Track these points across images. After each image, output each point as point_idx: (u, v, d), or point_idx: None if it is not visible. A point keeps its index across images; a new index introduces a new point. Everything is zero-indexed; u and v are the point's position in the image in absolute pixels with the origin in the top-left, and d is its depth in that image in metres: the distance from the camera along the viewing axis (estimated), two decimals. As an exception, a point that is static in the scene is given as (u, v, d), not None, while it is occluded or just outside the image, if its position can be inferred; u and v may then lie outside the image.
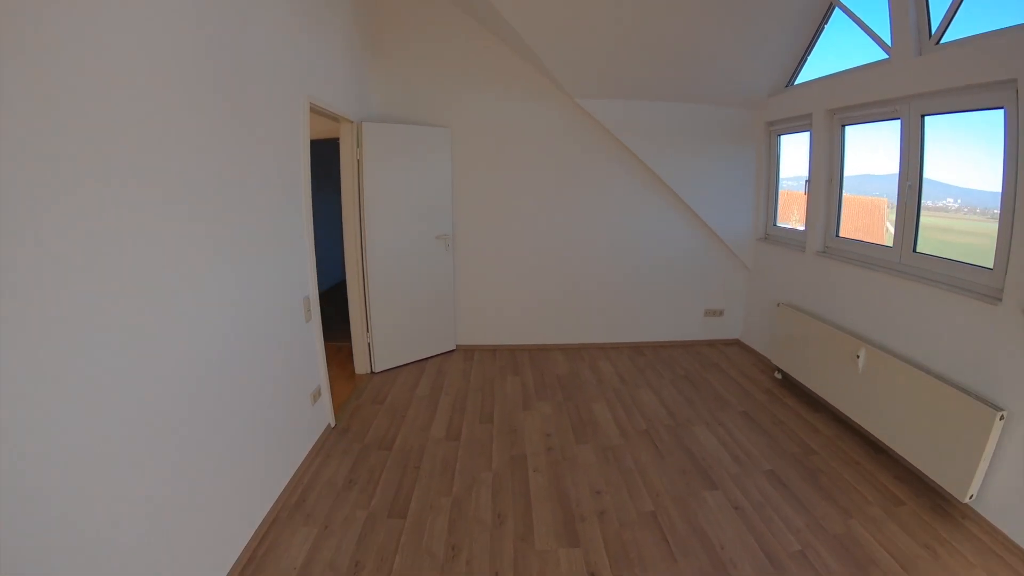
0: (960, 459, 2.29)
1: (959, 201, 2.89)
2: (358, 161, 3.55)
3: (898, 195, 2.91)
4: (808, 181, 3.69)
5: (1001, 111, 2.33)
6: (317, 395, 2.95)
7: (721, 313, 4.66)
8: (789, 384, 3.76)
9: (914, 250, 2.87)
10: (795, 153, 4.09)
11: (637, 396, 3.63)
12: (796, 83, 3.85)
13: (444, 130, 4.01)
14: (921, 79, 2.65)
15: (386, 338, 3.91)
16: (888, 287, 2.91)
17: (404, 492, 2.55)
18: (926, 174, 2.80)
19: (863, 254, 3.25)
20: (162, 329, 1.63)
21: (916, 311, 2.72)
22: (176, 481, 1.70)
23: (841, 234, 3.54)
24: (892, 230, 3.01)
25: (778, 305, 3.84)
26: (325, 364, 3.00)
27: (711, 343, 4.70)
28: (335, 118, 3.28)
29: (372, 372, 3.93)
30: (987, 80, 2.31)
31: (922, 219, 2.84)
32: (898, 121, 2.89)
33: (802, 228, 3.84)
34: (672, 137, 4.18)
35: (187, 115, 1.75)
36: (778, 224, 4.27)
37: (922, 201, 2.82)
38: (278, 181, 2.49)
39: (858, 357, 2.92)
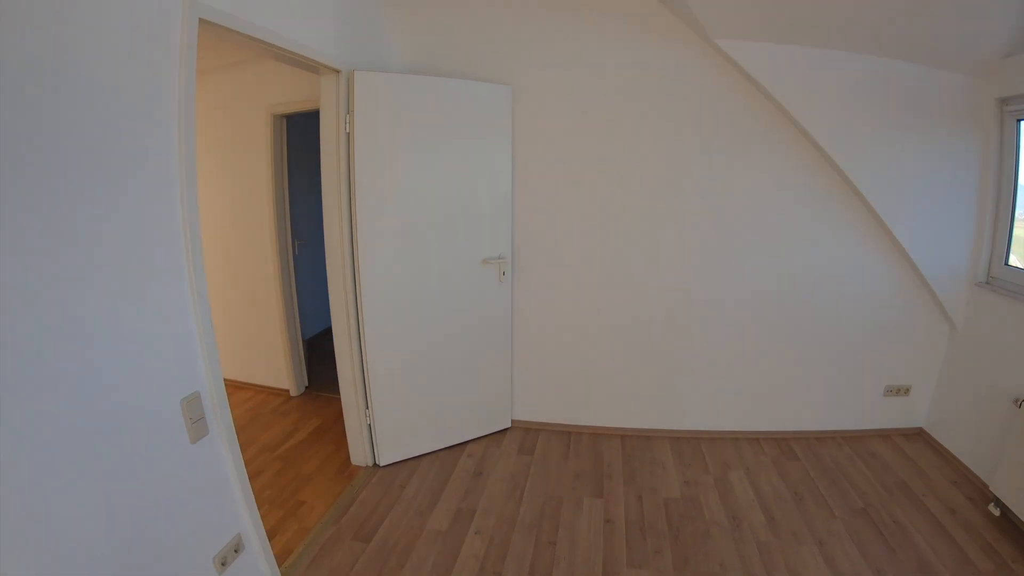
0: None
1: None
2: (348, 136, 2.17)
3: None
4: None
5: None
6: (236, 549, 1.65)
7: (907, 392, 2.86)
8: (1011, 526, 2.16)
9: None
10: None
11: (796, 566, 1.96)
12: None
13: (502, 88, 2.52)
14: None
15: (395, 418, 2.54)
16: None
17: None
18: None
19: None
20: None
21: None
22: None
23: None
24: None
25: (1019, 404, 2.12)
26: (252, 499, 1.68)
27: (885, 435, 2.91)
28: (309, 64, 1.93)
29: (376, 464, 2.59)
30: None
31: None
32: None
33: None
34: (853, 109, 2.40)
35: None
36: (1011, 264, 2.44)
37: None
38: (116, 169, 1.18)
39: None
